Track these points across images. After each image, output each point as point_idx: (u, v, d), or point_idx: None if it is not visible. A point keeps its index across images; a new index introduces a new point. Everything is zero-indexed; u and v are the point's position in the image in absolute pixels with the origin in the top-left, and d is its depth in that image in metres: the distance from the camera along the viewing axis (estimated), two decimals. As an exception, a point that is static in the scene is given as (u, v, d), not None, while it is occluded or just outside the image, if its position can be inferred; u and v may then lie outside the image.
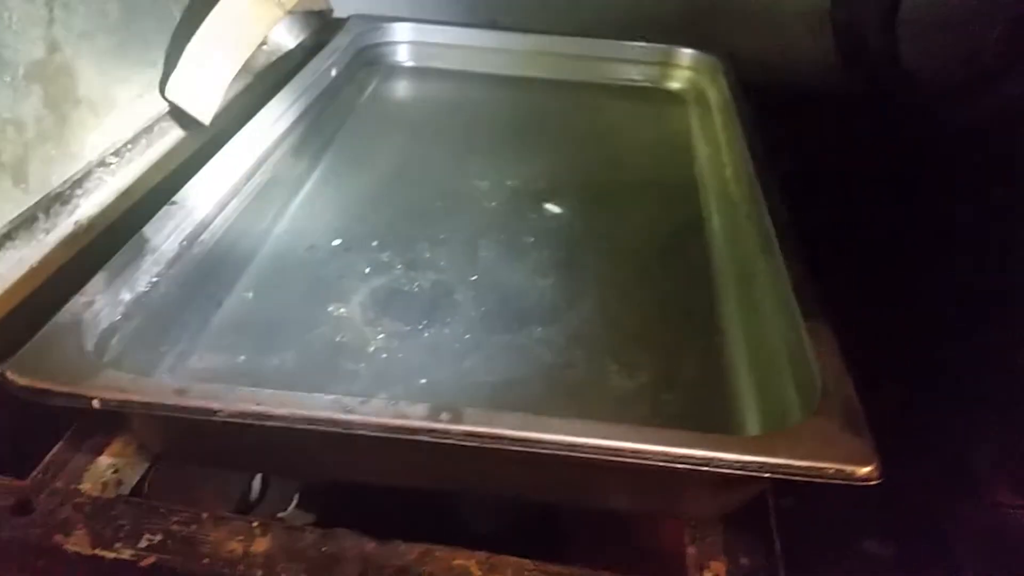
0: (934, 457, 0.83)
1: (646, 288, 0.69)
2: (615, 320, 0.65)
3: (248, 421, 0.43)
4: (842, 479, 0.44)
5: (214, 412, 0.44)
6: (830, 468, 0.44)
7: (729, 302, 0.67)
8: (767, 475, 0.44)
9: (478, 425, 0.44)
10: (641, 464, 0.44)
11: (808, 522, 0.74)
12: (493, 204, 0.79)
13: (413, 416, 0.44)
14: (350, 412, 0.44)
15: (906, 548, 0.78)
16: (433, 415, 0.44)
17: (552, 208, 0.79)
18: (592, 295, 0.67)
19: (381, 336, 0.60)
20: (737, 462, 0.44)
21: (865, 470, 0.44)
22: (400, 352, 0.59)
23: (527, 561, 0.48)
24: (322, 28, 1.04)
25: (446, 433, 0.44)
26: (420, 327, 0.61)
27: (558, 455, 0.44)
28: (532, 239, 0.74)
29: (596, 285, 0.68)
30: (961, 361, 0.90)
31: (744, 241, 0.70)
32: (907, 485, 0.80)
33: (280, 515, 0.72)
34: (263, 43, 0.97)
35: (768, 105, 0.92)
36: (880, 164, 1.06)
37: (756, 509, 0.52)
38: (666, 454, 0.44)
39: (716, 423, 0.56)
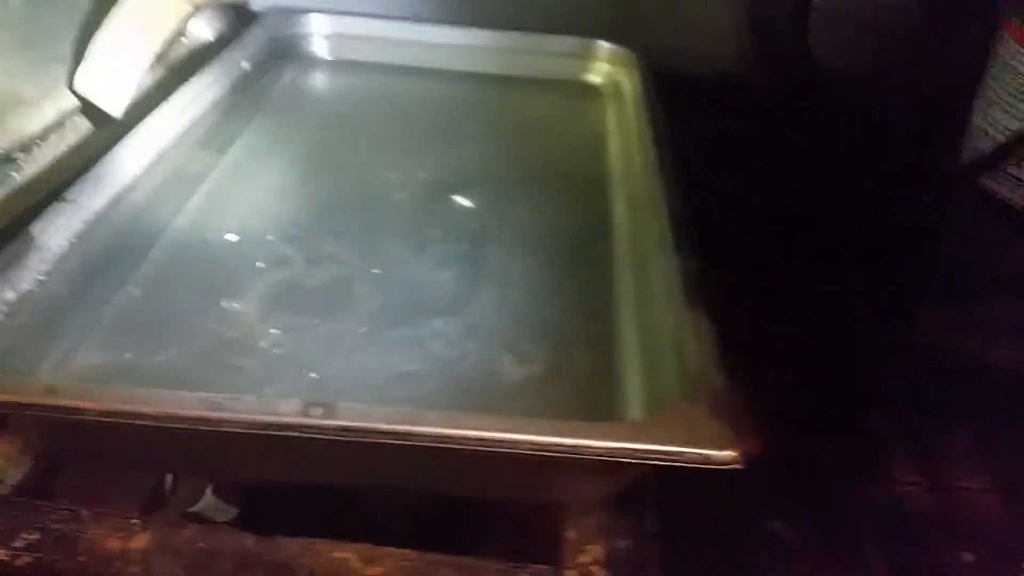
0: (834, 436, 0.87)
1: (548, 281, 0.70)
2: (513, 313, 0.66)
3: (117, 420, 0.44)
4: (703, 463, 0.45)
5: (83, 411, 0.44)
6: (691, 453, 0.45)
7: (627, 295, 0.68)
8: (632, 461, 0.45)
9: (351, 420, 0.45)
10: (511, 453, 0.45)
11: (712, 504, 0.77)
12: (402, 197, 0.79)
13: (285, 412, 0.45)
14: (219, 409, 0.44)
15: (809, 527, 0.81)
16: (305, 411, 0.45)
17: (462, 201, 0.79)
18: (493, 288, 0.68)
19: (274, 331, 0.60)
20: (604, 448, 0.45)
21: (725, 454, 0.45)
22: (292, 347, 0.59)
23: (410, 551, 0.49)
24: (241, 21, 1.03)
25: (319, 428, 0.45)
26: (315, 322, 0.61)
27: (432, 447, 0.45)
28: (439, 232, 0.74)
29: (498, 278, 0.69)
30: (861, 341, 0.94)
31: (645, 236, 0.71)
32: (808, 465, 0.84)
33: (192, 508, 0.72)
34: (182, 36, 0.96)
35: (687, 96, 0.93)
36: (794, 152, 1.09)
37: (636, 493, 0.54)
38: (533, 443, 0.45)
39: (602, 411, 0.57)
